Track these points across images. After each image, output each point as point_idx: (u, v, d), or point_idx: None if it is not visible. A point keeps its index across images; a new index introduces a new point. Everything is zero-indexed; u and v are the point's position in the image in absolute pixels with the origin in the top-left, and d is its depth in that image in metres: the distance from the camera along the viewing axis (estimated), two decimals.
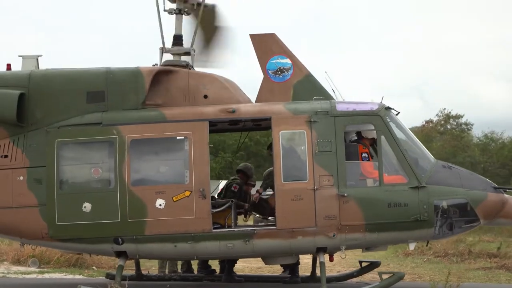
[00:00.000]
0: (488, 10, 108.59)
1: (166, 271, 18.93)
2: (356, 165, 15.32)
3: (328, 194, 14.96)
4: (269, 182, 16.28)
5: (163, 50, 16.26)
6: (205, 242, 15.05)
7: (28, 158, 15.33)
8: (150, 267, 20.31)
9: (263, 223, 16.68)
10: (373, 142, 15.55)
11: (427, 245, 17.81)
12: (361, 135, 15.77)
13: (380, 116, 15.36)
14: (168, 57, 16.48)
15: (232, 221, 15.81)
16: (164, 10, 16.35)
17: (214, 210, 15.40)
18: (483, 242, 30.11)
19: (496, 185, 15.92)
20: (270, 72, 15.89)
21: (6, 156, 15.40)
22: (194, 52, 16.48)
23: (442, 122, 70.39)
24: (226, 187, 17.38)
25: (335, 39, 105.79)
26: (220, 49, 16.98)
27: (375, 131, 15.37)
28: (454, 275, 19.04)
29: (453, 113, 69.90)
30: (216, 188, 18.51)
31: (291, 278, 17.62)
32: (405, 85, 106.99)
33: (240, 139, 18.79)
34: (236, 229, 15.44)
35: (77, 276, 19.89)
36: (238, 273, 18.17)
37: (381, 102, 15.64)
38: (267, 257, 15.88)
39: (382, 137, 15.29)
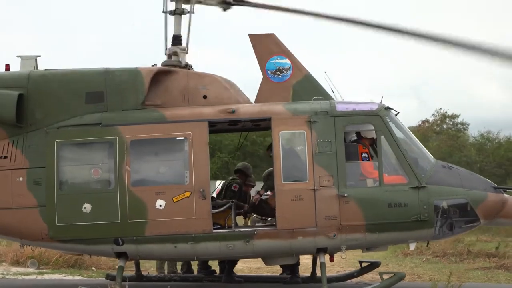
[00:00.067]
0: (486, 10, 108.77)
1: (165, 272, 18.90)
2: (356, 165, 15.31)
3: (328, 194, 14.95)
4: (270, 183, 16.26)
5: (167, 51, 16.22)
6: (206, 243, 15.03)
7: (28, 159, 15.29)
8: (149, 267, 20.28)
9: (260, 223, 16.66)
10: (373, 142, 15.55)
11: (427, 246, 17.82)
12: (361, 135, 15.77)
13: (380, 116, 15.36)
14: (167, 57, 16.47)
15: (232, 221, 15.79)
16: (163, 12, 16.32)
17: (214, 211, 15.38)
18: (481, 242, 30.17)
19: (496, 185, 15.93)
20: (269, 72, 15.86)
21: (5, 157, 15.35)
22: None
23: (438, 122, 70.46)
24: (226, 186, 17.35)
25: (335, 39, 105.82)
26: None
27: (375, 131, 15.37)
28: (453, 275, 19.02)
29: (449, 112, 70.01)
30: (215, 189, 18.46)
31: (291, 278, 17.61)
32: (401, 85, 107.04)
33: (240, 140, 18.77)
34: (236, 230, 15.42)
35: (76, 277, 19.86)
36: (237, 274, 18.15)
37: (380, 102, 15.64)
38: (267, 258, 15.87)
39: (382, 137, 15.28)
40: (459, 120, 69.79)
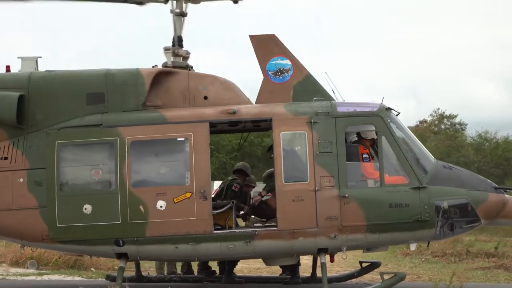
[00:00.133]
0: (484, 12, 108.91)
1: (165, 272, 18.89)
2: (357, 166, 15.32)
3: (329, 195, 14.95)
4: (273, 184, 16.25)
5: (172, 52, 16.20)
6: (206, 244, 15.03)
7: (28, 160, 15.28)
8: (148, 268, 20.27)
9: (259, 224, 16.65)
10: (374, 143, 15.57)
11: (428, 246, 17.82)
12: (361, 136, 15.77)
13: (381, 116, 15.36)
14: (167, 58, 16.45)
15: (233, 222, 15.78)
16: (170, 12, 16.27)
17: (215, 212, 15.38)
18: (480, 241, 30.20)
19: (497, 186, 15.95)
20: (270, 73, 15.86)
21: (6, 158, 15.34)
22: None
23: (436, 122, 70.63)
24: (227, 186, 17.35)
25: (335, 39, 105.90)
26: None
27: (375, 132, 15.38)
28: (454, 275, 19.03)
29: (447, 113, 70.16)
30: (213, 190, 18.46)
31: (291, 278, 17.61)
32: (399, 85, 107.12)
33: (240, 140, 18.76)
34: (237, 230, 15.42)
35: (76, 278, 19.87)
36: (238, 274, 18.15)
37: (381, 103, 15.65)
38: (268, 258, 15.88)
39: (383, 137, 15.28)
40: (457, 120, 70.07)
